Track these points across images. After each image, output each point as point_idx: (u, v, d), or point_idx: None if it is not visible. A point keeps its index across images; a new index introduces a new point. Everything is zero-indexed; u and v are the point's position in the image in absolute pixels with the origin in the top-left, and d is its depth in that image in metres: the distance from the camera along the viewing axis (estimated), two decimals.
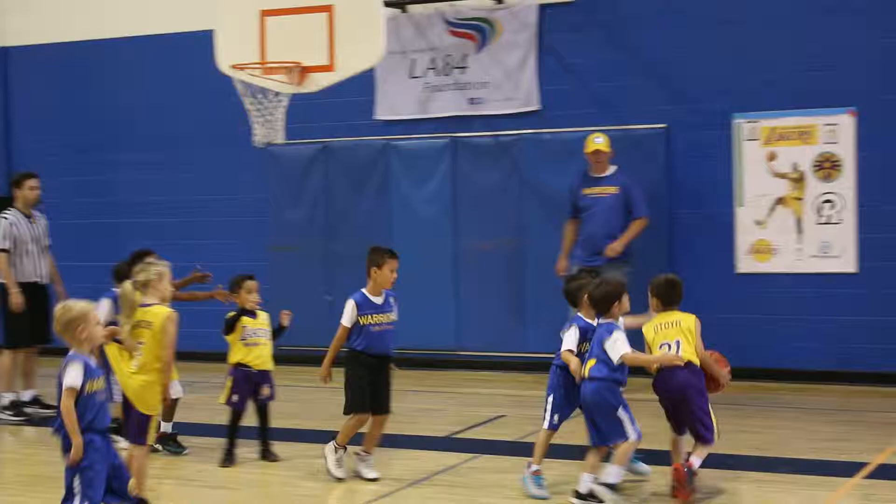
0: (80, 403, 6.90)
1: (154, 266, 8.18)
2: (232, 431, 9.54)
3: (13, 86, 15.88)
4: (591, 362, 8.22)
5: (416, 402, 11.33)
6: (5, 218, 11.92)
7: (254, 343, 9.68)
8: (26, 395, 12.02)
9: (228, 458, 9.50)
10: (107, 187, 15.35)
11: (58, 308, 7.15)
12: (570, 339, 8.43)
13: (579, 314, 8.50)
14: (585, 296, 8.45)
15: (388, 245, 13.39)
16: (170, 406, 10.08)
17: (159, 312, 7.98)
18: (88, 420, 6.91)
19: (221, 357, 9.75)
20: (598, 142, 12.13)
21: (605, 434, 8.25)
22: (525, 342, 13.09)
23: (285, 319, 9.84)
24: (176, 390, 10.02)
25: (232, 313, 9.65)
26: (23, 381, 12.07)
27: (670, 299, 8.52)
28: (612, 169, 12.20)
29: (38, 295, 12.04)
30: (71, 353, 7.04)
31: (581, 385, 8.28)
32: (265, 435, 9.64)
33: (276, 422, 9.89)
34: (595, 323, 8.35)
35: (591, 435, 8.28)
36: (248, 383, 9.55)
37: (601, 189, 12.15)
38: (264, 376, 9.62)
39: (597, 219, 12.13)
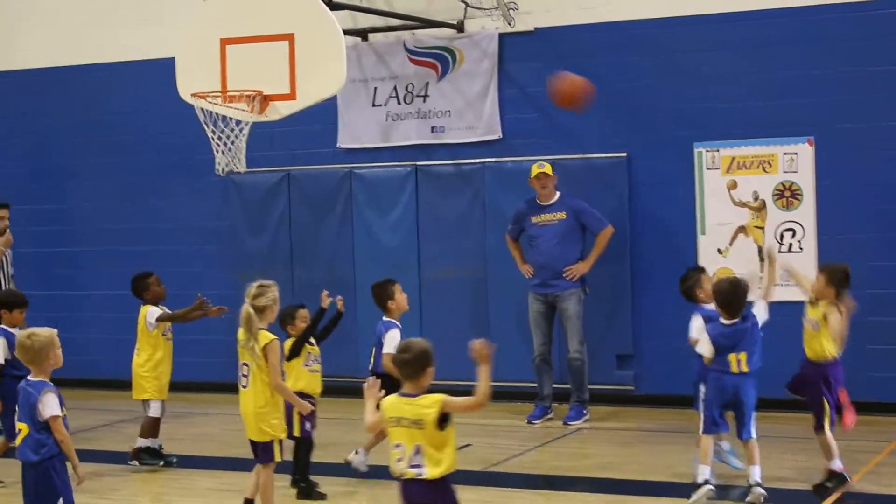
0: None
1: (271, 291, 8.36)
2: (308, 462, 9.41)
3: None
4: (744, 356, 8.72)
5: None
6: None
7: (315, 370, 9.63)
8: None
9: (317, 491, 9.40)
10: (66, 215, 15.24)
11: (23, 336, 7.18)
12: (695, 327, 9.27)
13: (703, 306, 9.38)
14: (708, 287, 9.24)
15: (352, 273, 13.54)
16: (153, 425, 10.44)
17: (263, 338, 8.20)
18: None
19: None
20: (542, 166, 12.18)
21: (747, 427, 8.81)
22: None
23: (341, 304, 9.85)
24: (155, 409, 10.39)
25: (292, 338, 9.50)
26: None
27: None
28: (557, 195, 12.25)
29: None
30: (36, 381, 7.05)
31: (732, 378, 8.76)
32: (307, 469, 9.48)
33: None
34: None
35: (723, 423, 8.82)
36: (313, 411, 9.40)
37: (550, 216, 12.21)
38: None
39: (547, 247, 12.19)
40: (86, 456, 10.52)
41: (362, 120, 13.72)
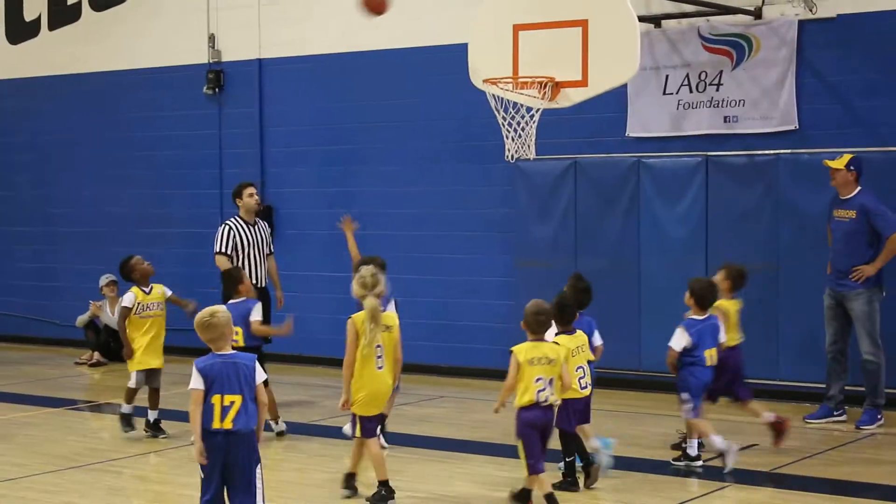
0: None
1: (381, 276, 8.96)
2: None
3: (267, 96, 16.27)
4: (714, 351, 10.08)
5: (668, 426, 11.16)
6: (227, 225, 12.72)
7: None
8: None
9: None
10: (352, 199, 15.52)
11: (206, 315, 7.45)
12: None
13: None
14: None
15: (636, 264, 13.33)
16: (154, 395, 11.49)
17: (392, 319, 9.03)
18: None
19: None
20: (832, 161, 11.77)
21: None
22: (777, 368, 12.67)
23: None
24: (138, 380, 11.49)
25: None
26: None
27: None
28: (856, 191, 11.74)
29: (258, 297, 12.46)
30: (234, 354, 7.43)
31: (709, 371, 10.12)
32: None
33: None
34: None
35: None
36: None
37: (843, 213, 11.76)
38: None
39: (838, 243, 11.81)
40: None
41: (652, 108, 13.54)
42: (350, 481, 9.20)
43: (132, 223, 17.28)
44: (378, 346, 8.85)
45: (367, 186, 15.48)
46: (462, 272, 14.55)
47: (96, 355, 16.28)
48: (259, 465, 7.40)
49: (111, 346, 15.83)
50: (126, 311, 11.55)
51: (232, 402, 7.29)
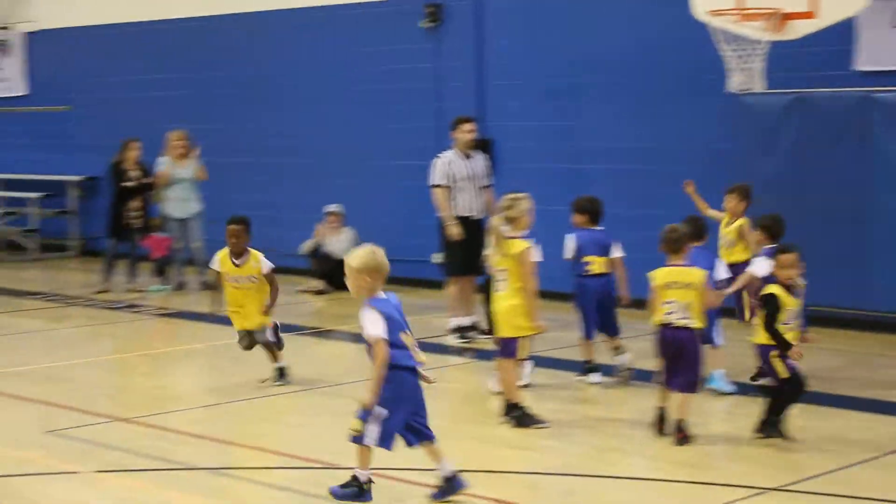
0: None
1: (521, 203, 9.37)
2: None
3: (487, 30, 16.25)
4: None
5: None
6: (439, 157, 12.93)
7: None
8: (467, 321, 12.97)
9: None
10: (571, 133, 15.49)
11: (377, 251, 7.45)
12: None
13: None
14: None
15: (867, 202, 12.85)
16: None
17: (517, 246, 9.22)
18: None
19: None
20: None
21: None
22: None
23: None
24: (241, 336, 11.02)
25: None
26: (463, 308, 13.04)
27: None
28: None
29: (472, 229, 12.72)
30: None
31: None
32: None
33: None
34: None
35: None
36: None
37: None
38: None
39: None
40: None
41: (884, 41, 13.03)
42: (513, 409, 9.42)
43: (350, 156, 17.54)
44: (502, 270, 9.28)
45: (585, 121, 15.38)
46: (681, 207, 14.33)
47: (319, 283, 16.61)
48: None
49: (335, 274, 16.04)
50: (215, 273, 11.11)
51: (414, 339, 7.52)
